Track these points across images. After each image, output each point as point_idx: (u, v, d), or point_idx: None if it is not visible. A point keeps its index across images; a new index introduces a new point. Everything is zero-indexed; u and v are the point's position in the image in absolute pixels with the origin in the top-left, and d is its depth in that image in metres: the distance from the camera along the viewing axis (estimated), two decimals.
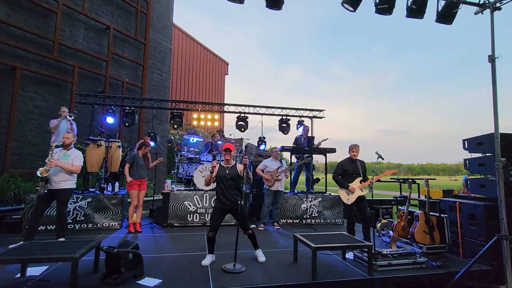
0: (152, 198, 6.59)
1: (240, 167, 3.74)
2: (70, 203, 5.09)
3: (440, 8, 3.56)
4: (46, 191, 3.83)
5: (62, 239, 3.93)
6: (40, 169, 3.78)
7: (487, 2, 3.59)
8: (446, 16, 3.54)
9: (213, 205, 5.80)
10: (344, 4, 3.35)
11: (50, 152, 3.95)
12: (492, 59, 3.52)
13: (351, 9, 3.38)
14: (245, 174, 3.68)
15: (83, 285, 2.77)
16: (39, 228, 4.86)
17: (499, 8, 3.61)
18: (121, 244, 3.08)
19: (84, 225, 5.17)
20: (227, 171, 3.68)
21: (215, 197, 3.81)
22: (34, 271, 3.08)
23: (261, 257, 3.74)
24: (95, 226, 5.23)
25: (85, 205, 5.20)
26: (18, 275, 2.95)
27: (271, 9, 3.49)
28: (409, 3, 3.51)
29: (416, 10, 3.46)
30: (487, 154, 4.16)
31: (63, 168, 3.98)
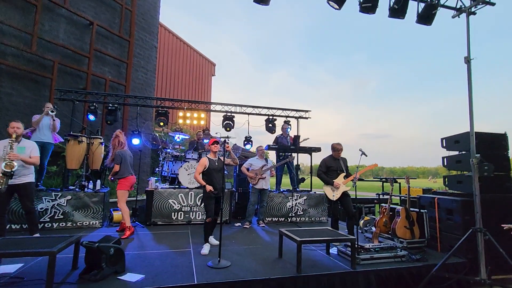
0: (135, 198, 6.46)
1: (228, 160, 4.08)
2: (48, 201, 4.90)
3: (420, 10, 3.73)
4: (5, 187, 3.49)
5: (37, 234, 3.75)
6: (3, 163, 3.46)
7: (463, 6, 3.77)
8: (425, 17, 3.71)
9: (198, 203, 5.76)
10: (330, 2, 3.44)
11: (10, 144, 3.60)
12: (468, 60, 3.69)
13: (337, 7, 3.47)
14: (231, 156, 4.23)
15: (60, 281, 2.66)
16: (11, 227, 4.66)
17: (474, 13, 3.80)
18: (103, 239, 2.99)
19: (62, 224, 4.97)
20: (216, 163, 4.06)
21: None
22: (8, 268, 2.93)
23: (214, 241, 4.08)
24: (74, 224, 5.04)
25: (64, 203, 5.01)
26: None
27: (258, 4, 3.52)
28: (391, 3, 3.65)
29: (398, 10, 3.59)
30: (463, 152, 4.35)
31: (24, 162, 3.69)
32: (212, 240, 4.16)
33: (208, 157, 4.10)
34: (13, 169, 3.50)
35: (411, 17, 3.76)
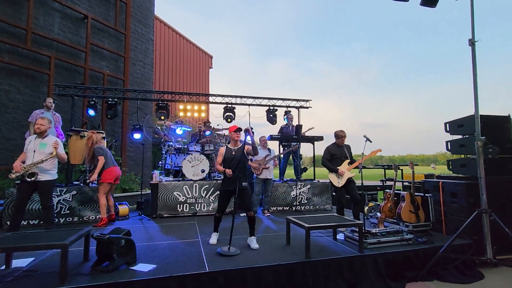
0: (140, 192, 6.48)
1: (247, 147, 3.75)
2: (54, 197, 4.90)
3: None
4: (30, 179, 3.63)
5: None
6: (28, 173, 3.63)
7: None
8: None
9: (203, 195, 5.78)
10: None
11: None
12: (472, 42, 3.66)
13: None
14: (250, 145, 3.74)
15: (73, 273, 2.68)
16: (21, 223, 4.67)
17: None
18: (113, 231, 3.00)
19: (69, 219, 4.99)
20: (233, 153, 3.76)
21: (220, 180, 3.80)
22: (19, 263, 2.94)
23: (254, 244, 3.59)
24: (81, 219, 5.06)
25: (69, 198, 5.02)
26: (3, 267, 2.81)
27: None
28: None
29: None
30: (467, 136, 4.36)
31: (58, 156, 3.84)
32: (253, 243, 3.63)
33: (226, 146, 3.87)
34: (32, 178, 3.64)
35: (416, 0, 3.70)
